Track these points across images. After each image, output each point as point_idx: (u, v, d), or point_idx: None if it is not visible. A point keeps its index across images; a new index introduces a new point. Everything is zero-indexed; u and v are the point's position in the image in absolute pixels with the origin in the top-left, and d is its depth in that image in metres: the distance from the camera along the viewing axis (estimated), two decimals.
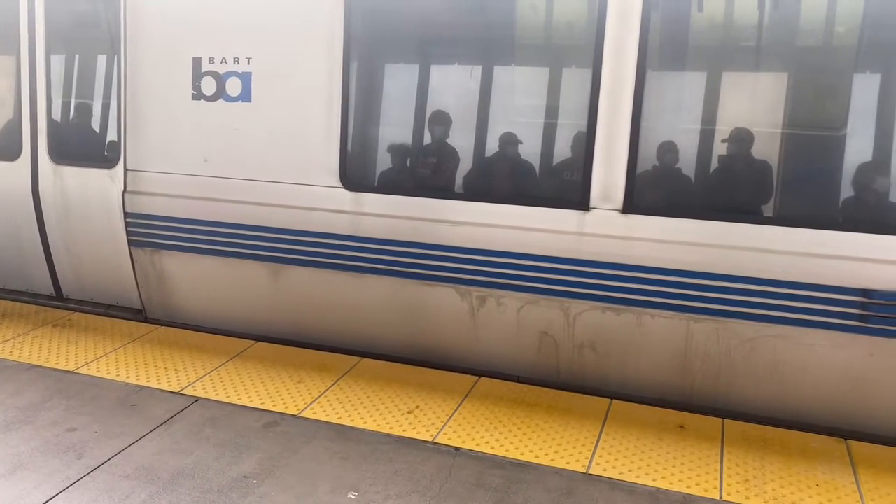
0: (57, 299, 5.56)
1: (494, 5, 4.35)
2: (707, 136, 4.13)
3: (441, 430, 3.85)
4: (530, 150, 4.47)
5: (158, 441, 3.68)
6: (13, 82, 5.34)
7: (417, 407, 4.09)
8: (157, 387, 4.27)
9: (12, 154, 5.32)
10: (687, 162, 4.16)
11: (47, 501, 3.17)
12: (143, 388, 4.26)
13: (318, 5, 4.44)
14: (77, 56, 5.49)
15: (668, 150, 4.13)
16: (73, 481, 3.32)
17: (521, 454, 3.63)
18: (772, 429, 3.91)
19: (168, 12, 4.76)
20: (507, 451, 3.66)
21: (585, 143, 4.08)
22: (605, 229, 4.03)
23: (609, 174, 4.01)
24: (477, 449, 3.67)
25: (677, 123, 4.21)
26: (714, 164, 4.11)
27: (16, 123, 5.33)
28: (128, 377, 4.38)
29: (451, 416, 3.99)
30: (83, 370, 4.47)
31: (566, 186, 4.32)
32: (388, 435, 3.79)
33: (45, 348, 4.76)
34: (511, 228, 4.20)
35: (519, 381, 4.43)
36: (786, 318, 3.80)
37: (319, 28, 4.45)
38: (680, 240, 3.91)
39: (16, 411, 3.94)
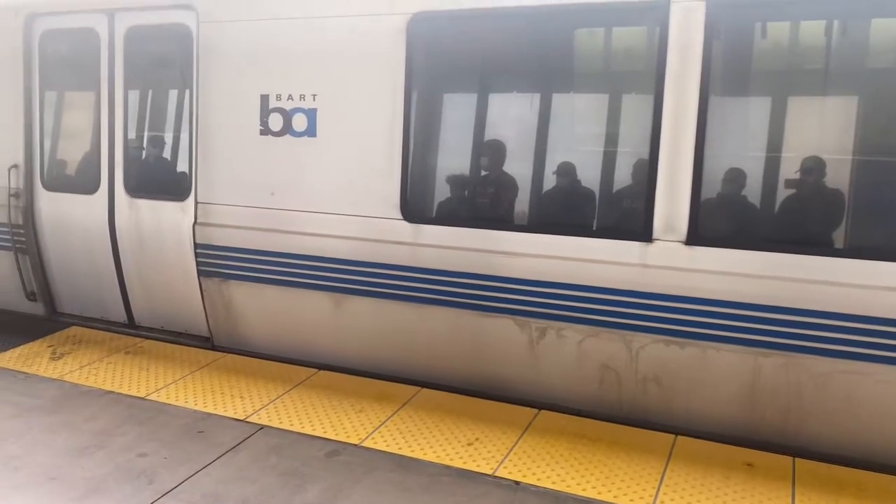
0: (130, 327, 5.78)
1: (554, 34, 4.38)
2: (774, 164, 4.05)
3: (501, 462, 3.83)
4: (590, 179, 4.45)
5: (225, 468, 3.77)
6: (93, 118, 5.64)
7: (477, 439, 4.08)
8: (224, 414, 4.38)
9: (91, 188, 5.59)
10: (753, 191, 4.08)
11: None
12: (210, 415, 4.38)
13: (381, 43, 4.56)
14: (152, 93, 5.77)
15: (733, 178, 4.05)
16: None
17: (584, 490, 3.57)
18: (846, 469, 3.75)
19: (238, 51, 4.96)
20: (568, 486, 3.61)
21: (648, 172, 4.05)
22: (668, 261, 3.97)
23: (672, 204, 3.96)
24: (538, 484, 3.63)
25: (743, 151, 4.14)
26: (782, 192, 4.02)
27: (94, 158, 5.61)
28: (195, 404, 4.51)
29: (511, 449, 3.96)
30: (153, 396, 4.62)
31: (628, 217, 4.29)
32: (449, 467, 3.79)
33: (118, 374, 4.95)
34: (571, 260, 4.17)
35: (580, 415, 4.37)
36: (860, 354, 3.66)
37: (382, 64, 4.57)
38: (746, 272, 3.82)
39: (91, 436, 4.10)
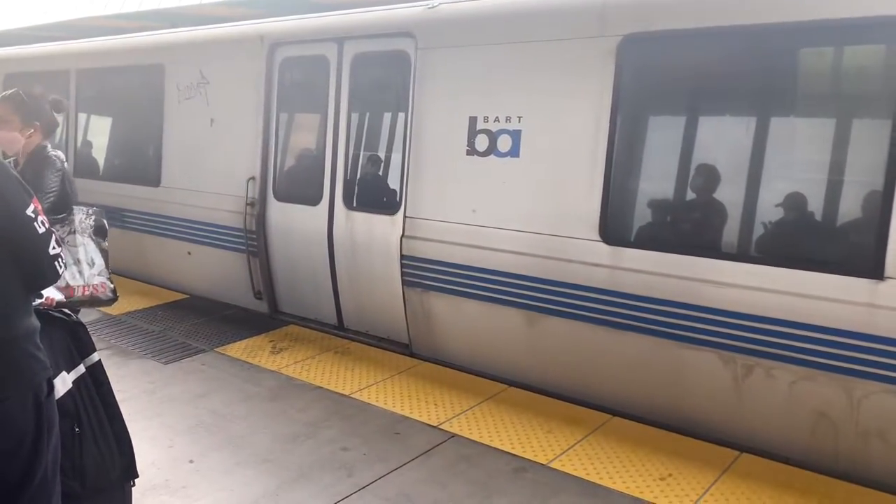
0: (339, 329, 6.24)
1: (773, 55, 4.13)
2: None
3: (696, 502, 3.63)
4: (811, 208, 4.12)
5: (417, 471, 3.94)
6: (319, 137, 6.21)
7: (671, 474, 3.90)
8: (419, 419, 4.58)
9: (314, 200, 6.14)
10: None
11: None
12: (406, 418, 4.60)
13: (589, 65, 4.57)
14: (372, 115, 6.24)
15: None
16: (343, 496, 3.68)
17: None
18: None
19: (451, 76, 5.23)
20: None
21: (881, 203, 3.67)
22: None
23: None
24: None
25: None
26: None
27: (318, 174, 6.16)
28: (393, 406, 4.76)
29: (707, 490, 3.74)
30: (357, 395, 4.95)
31: (855, 251, 3.90)
32: (639, 499, 3.66)
33: (328, 372, 5.36)
34: (786, 294, 3.88)
35: (787, 463, 4.02)
36: None
37: (588, 86, 4.58)
38: None
39: (301, 426, 4.48)
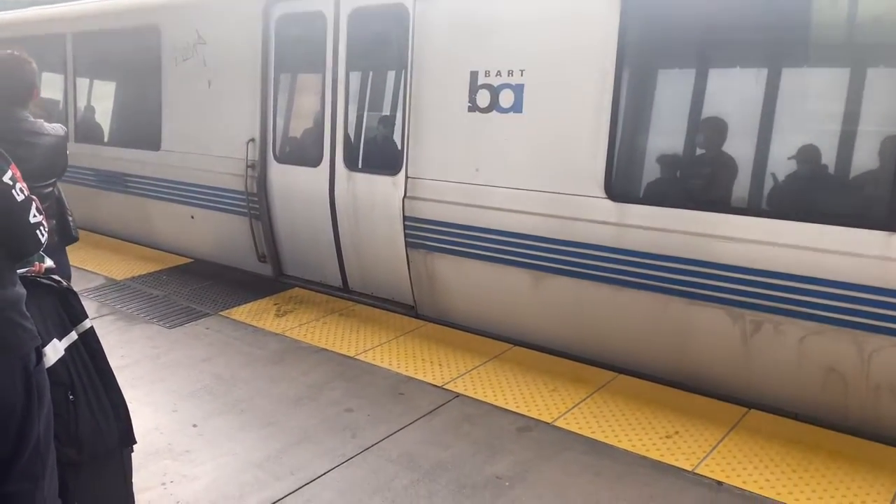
0: (344, 291, 6.20)
1: (785, 3, 3.96)
2: None
3: (703, 460, 3.59)
4: (823, 161, 3.99)
5: (421, 431, 3.93)
6: (318, 97, 6.08)
7: (677, 432, 3.86)
8: (423, 379, 4.55)
9: (315, 161, 6.04)
10: None
11: (326, 473, 3.54)
12: (410, 378, 4.57)
13: (591, 15, 4.41)
14: (370, 73, 6.10)
15: None
16: (347, 458, 3.67)
17: (796, 499, 3.25)
18: None
19: (450, 30, 5.07)
20: (778, 493, 3.30)
21: (895, 153, 3.53)
22: None
23: None
24: (743, 486, 3.36)
25: None
26: None
27: (318, 134, 6.05)
28: (398, 367, 4.74)
29: (714, 447, 3.71)
30: (361, 357, 4.92)
31: (868, 203, 3.79)
32: (645, 458, 3.63)
33: (332, 334, 5.34)
34: (797, 248, 3.77)
35: (796, 419, 3.97)
36: None
37: (591, 37, 4.42)
38: None
39: (305, 388, 4.47)
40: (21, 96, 3.47)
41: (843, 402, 3.83)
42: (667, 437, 3.82)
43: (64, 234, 3.93)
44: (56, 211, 3.82)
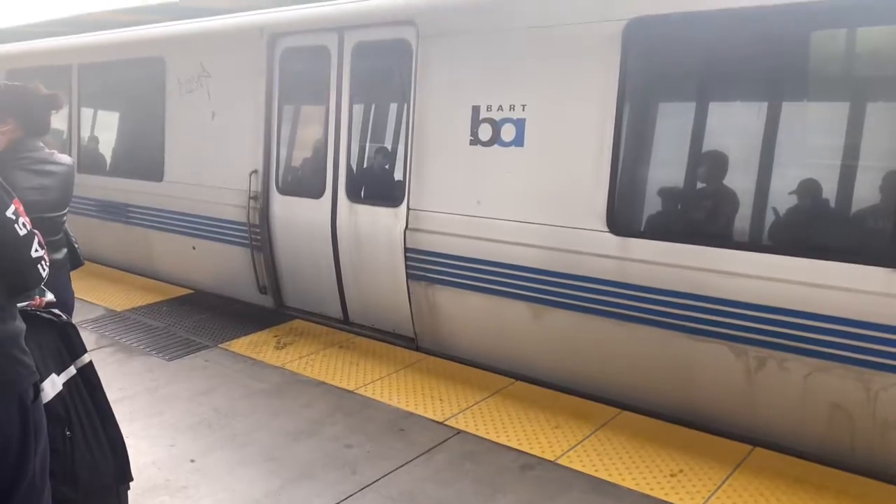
0: (344, 323, 6.17)
1: (786, 39, 3.99)
2: None
3: (708, 499, 3.54)
4: (825, 196, 3.99)
5: (422, 468, 3.87)
6: (321, 129, 6.11)
7: (681, 471, 3.80)
8: (423, 414, 4.50)
9: (317, 192, 6.06)
10: None
11: None
12: (410, 414, 4.52)
13: (593, 50, 4.45)
14: (373, 106, 6.14)
15: None
16: (346, 496, 3.60)
17: None
18: None
19: (453, 64, 5.11)
20: None
21: None
22: None
23: None
24: None
25: None
26: None
27: (321, 166, 6.07)
28: (398, 402, 4.69)
29: (719, 486, 3.65)
30: (361, 391, 4.88)
31: (870, 239, 3.78)
32: (649, 496, 3.57)
33: (332, 367, 5.29)
34: (800, 284, 3.76)
35: (802, 458, 3.91)
36: None
37: (593, 72, 4.46)
38: None
39: (305, 422, 4.41)
40: (43, 127, 3.51)
41: (850, 441, 3.78)
42: (671, 475, 3.76)
43: (74, 261, 3.93)
44: (65, 240, 3.82)
